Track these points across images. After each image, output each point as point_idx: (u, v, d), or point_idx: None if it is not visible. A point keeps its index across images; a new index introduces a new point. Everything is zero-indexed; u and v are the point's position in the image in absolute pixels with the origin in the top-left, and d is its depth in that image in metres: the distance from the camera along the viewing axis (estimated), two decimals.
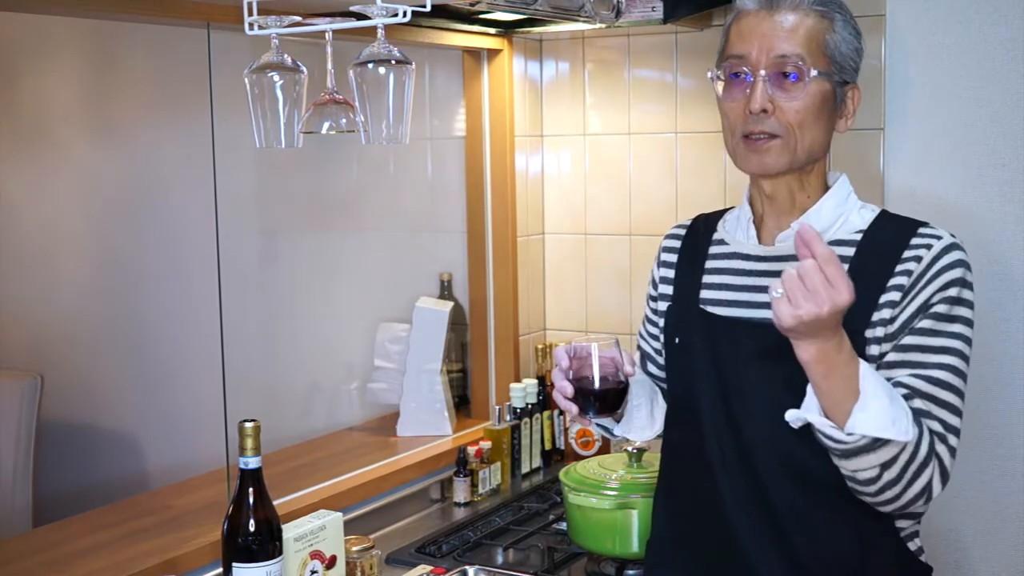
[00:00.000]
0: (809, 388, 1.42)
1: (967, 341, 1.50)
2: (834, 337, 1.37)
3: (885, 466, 1.40)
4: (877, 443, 1.39)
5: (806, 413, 1.42)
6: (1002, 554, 2.25)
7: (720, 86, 1.59)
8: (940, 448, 1.44)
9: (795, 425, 1.44)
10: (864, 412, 1.38)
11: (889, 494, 1.43)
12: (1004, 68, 2.19)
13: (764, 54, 1.53)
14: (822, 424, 1.40)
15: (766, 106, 1.52)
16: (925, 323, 1.48)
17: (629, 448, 2.05)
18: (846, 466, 1.42)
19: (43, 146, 3.37)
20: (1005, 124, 2.20)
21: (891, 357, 1.48)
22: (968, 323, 1.50)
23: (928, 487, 1.44)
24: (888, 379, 1.45)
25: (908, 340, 1.48)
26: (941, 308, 1.48)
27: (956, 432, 1.47)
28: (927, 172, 2.28)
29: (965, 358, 1.49)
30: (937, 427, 1.45)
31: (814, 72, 1.52)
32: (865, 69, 2.28)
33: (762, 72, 1.52)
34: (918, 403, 1.45)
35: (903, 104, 2.28)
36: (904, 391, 1.46)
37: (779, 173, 1.56)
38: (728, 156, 1.62)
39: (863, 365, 1.40)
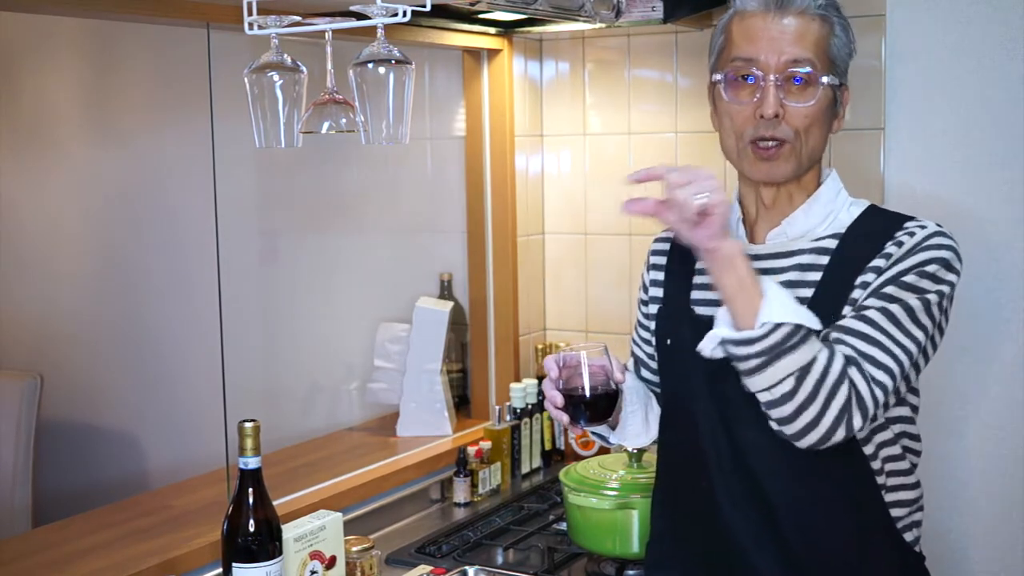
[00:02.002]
0: (720, 312, 1.45)
1: (926, 306, 1.47)
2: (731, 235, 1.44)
3: (800, 377, 1.39)
4: (790, 340, 1.39)
5: (718, 330, 1.44)
6: (1002, 554, 2.25)
7: (722, 88, 1.57)
8: (853, 372, 1.42)
9: (709, 350, 1.46)
10: (772, 303, 1.41)
11: (807, 416, 1.41)
12: (1004, 68, 2.19)
13: (775, 57, 1.52)
14: (735, 333, 1.42)
15: (778, 111, 1.52)
16: (888, 288, 1.48)
17: (629, 448, 2.04)
18: (764, 381, 1.41)
19: (43, 146, 3.37)
20: (1005, 124, 2.20)
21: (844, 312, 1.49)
22: (937, 296, 1.48)
23: (845, 410, 1.41)
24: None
25: (868, 301, 1.48)
26: (909, 278, 1.48)
27: (880, 367, 1.44)
28: (927, 172, 2.28)
29: (912, 315, 1.46)
30: (848, 351, 1.44)
31: (825, 79, 1.53)
32: (865, 69, 2.30)
33: (773, 76, 1.52)
34: (834, 334, 1.46)
35: (903, 104, 2.28)
36: (828, 331, 1.47)
37: (785, 181, 1.56)
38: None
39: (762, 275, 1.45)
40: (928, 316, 1.48)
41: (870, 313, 1.46)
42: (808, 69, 1.52)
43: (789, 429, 1.44)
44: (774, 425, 1.45)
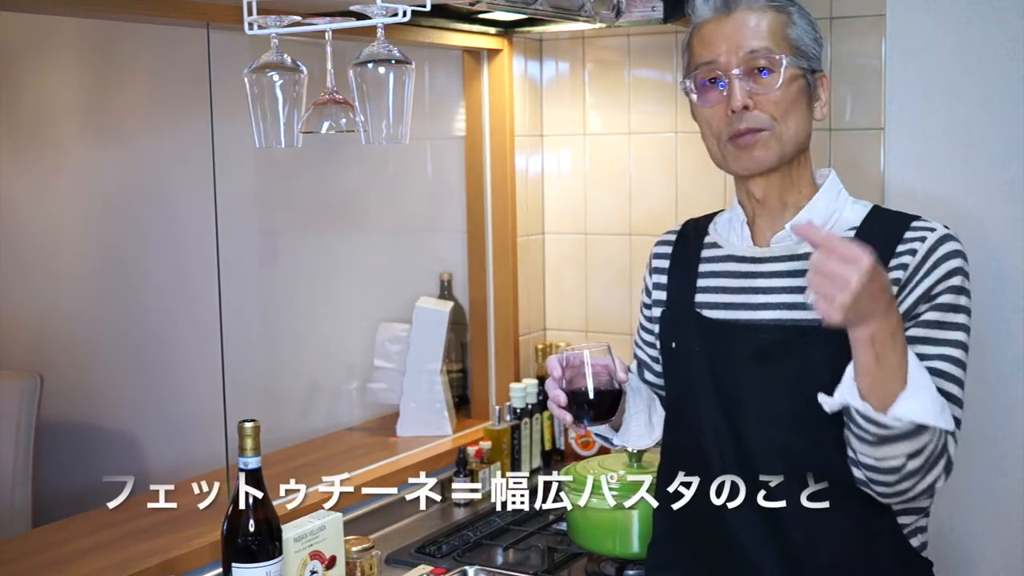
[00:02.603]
0: (848, 372, 1.39)
1: (968, 331, 1.50)
2: (888, 319, 1.34)
3: (912, 456, 1.39)
4: (917, 430, 1.38)
5: (847, 396, 1.39)
6: (1002, 554, 2.25)
7: (694, 96, 1.60)
8: (950, 442, 1.44)
9: (830, 409, 1.42)
10: (913, 400, 1.37)
11: (905, 485, 1.43)
12: (1004, 68, 2.19)
13: (734, 53, 1.54)
14: (866, 409, 1.37)
15: (747, 102, 1.53)
16: (932, 315, 1.48)
17: (631, 450, 2.04)
18: (875, 454, 1.40)
19: (43, 146, 3.37)
20: (1005, 124, 2.20)
21: None
22: (969, 313, 1.50)
23: (937, 479, 1.44)
24: None
25: (914, 332, 1.47)
26: (946, 299, 1.48)
27: (959, 424, 1.47)
28: (927, 172, 2.27)
29: (966, 349, 1.49)
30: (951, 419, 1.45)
31: (786, 61, 1.53)
32: (865, 69, 2.30)
33: (736, 71, 1.53)
34: None
35: (903, 104, 2.28)
36: None
37: (771, 168, 1.56)
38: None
39: (911, 355, 1.39)
40: (969, 340, 1.50)
41: (948, 368, 1.46)
42: (768, 55, 1.53)
43: (881, 489, 1.45)
44: (860, 475, 1.45)
